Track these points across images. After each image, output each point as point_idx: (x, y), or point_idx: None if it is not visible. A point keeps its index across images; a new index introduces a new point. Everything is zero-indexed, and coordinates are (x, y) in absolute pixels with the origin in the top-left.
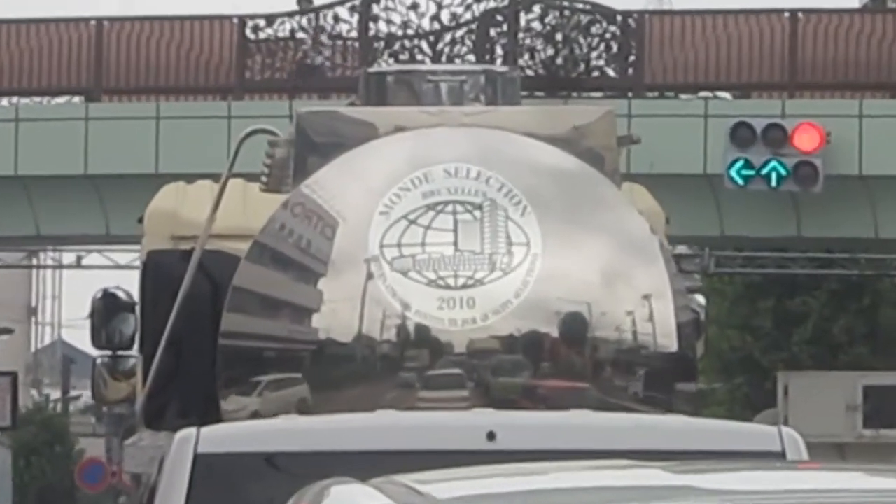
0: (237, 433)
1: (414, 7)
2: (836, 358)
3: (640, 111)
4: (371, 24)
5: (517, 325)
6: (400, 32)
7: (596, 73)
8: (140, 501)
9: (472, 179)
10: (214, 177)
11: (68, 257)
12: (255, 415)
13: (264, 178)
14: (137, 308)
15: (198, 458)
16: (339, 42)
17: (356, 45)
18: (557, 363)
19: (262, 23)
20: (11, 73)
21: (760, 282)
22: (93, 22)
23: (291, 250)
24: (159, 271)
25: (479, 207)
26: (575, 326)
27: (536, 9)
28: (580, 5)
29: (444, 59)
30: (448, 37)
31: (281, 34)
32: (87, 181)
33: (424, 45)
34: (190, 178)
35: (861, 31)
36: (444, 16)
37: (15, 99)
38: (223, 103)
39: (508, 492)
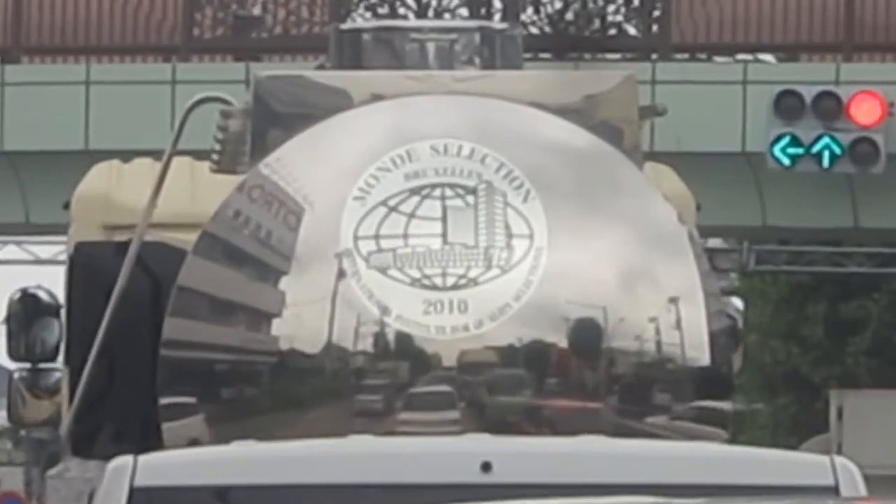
0: (181, 462)
1: None
2: None
3: (667, 77)
4: None
5: (518, 332)
6: None
7: (613, 31)
8: None
9: (465, 158)
10: (156, 154)
11: None
12: (204, 440)
13: (215, 156)
14: (63, 312)
15: (135, 493)
16: None
17: None
18: (566, 379)
19: None
20: None
21: (810, 282)
22: None
23: (247, 243)
24: (89, 267)
25: (473, 192)
26: (587, 335)
27: None
28: None
29: (431, 13)
30: None
31: None
32: (3, 158)
33: None
34: (126, 155)
35: None
36: None
37: None
38: (166, 66)
39: None
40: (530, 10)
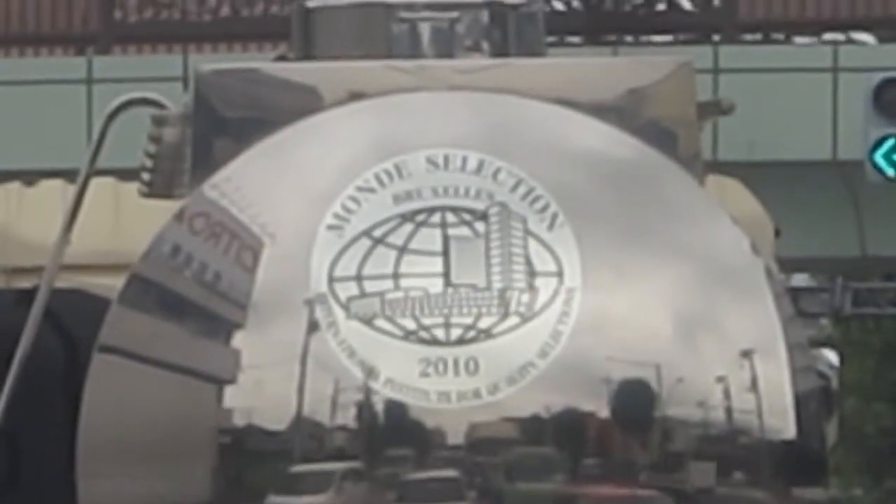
0: None
1: None
2: None
3: (733, 63)
4: None
5: (544, 399)
6: None
7: (662, 6)
8: None
9: (472, 173)
10: (68, 174)
11: None
12: None
13: (146, 176)
14: None
15: None
16: None
17: None
18: (608, 459)
19: None
20: None
21: None
22: None
23: (189, 288)
24: None
25: (483, 217)
26: (635, 401)
27: None
28: None
29: None
30: None
31: None
32: None
33: None
34: (29, 176)
35: None
36: None
37: None
38: (80, 60)
39: None
40: None
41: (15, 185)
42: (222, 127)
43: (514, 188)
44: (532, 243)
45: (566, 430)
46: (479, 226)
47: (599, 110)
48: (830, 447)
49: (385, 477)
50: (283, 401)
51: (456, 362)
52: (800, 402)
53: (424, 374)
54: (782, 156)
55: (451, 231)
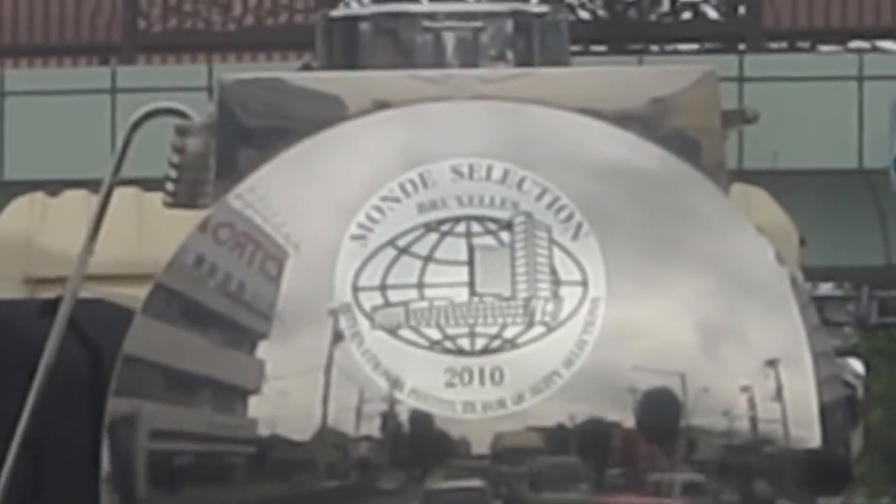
0: None
1: None
2: None
3: (758, 72)
4: None
5: (570, 409)
6: None
7: (688, 15)
8: None
9: (497, 182)
10: (92, 184)
11: None
12: None
13: (170, 186)
14: None
15: None
16: None
17: None
18: (633, 468)
19: None
20: None
21: None
22: None
23: (214, 298)
24: (6, 334)
25: (508, 226)
26: (660, 411)
27: None
28: None
29: None
30: None
31: None
32: None
33: None
34: (53, 186)
35: None
36: None
37: None
38: (104, 70)
39: None
40: None
41: (39, 196)
42: (246, 137)
43: (539, 198)
44: (557, 253)
45: (591, 439)
46: (504, 235)
47: (624, 119)
48: (856, 456)
49: (409, 487)
50: (308, 411)
51: (481, 372)
52: (825, 411)
53: (450, 385)
54: (807, 164)
55: (475, 240)
